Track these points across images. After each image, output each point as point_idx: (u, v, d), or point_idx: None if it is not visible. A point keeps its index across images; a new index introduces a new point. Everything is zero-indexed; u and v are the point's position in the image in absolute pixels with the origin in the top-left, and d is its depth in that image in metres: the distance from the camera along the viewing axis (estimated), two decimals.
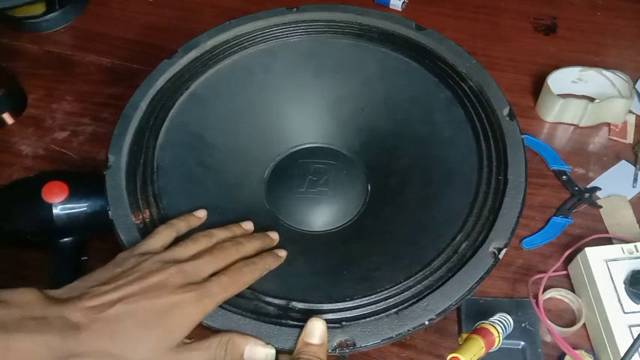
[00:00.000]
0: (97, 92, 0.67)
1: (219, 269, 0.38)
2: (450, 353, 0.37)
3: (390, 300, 0.38)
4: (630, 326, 0.44)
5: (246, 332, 0.37)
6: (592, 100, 0.60)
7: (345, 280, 0.41)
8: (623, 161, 0.58)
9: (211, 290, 0.36)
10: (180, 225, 0.41)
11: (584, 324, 0.47)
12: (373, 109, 0.52)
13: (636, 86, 0.62)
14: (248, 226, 0.44)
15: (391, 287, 0.39)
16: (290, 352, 0.36)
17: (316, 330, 0.36)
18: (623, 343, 0.43)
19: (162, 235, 0.40)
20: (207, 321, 0.37)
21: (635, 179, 0.56)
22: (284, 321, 0.37)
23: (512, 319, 0.42)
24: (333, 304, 0.38)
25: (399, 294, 0.38)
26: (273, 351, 0.36)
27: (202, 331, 0.36)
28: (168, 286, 0.35)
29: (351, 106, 0.53)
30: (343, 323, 0.37)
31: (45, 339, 0.31)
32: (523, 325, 0.47)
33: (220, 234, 0.41)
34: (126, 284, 0.34)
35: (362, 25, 0.54)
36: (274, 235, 0.45)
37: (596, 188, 0.55)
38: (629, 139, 0.59)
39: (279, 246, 0.45)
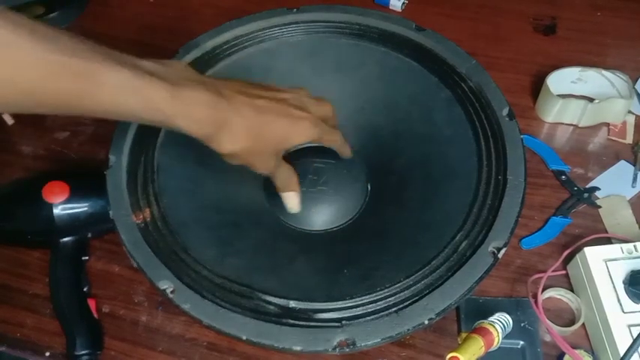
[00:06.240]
0: None
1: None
2: (450, 352, 0.38)
3: (390, 299, 0.38)
4: (629, 326, 0.44)
5: (246, 332, 0.37)
6: (591, 100, 0.60)
7: (345, 280, 0.41)
8: (622, 161, 0.58)
9: (322, 124, 0.43)
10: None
11: (583, 323, 0.48)
12: (373, 108, 0.52)
13: (636, 86, 0.63)
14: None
15: (391, 286, 0.39)
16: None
17: None
18: (623, 343, 0.43)
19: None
20: (207, 320, 0.37)
21: (635, 179, 0.56)
22: (284, 320, 0.37)
23: (512, 319, 0.42)
24: (333, 303, 0.38)
25: (399, 293, 0.38)
26: None
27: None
28: (290, 104, 0.41)
29: (351, 105, 0.53)
30: (343, 322, 0.37)
31: (204, 96, 0.36)
32: (522, 324, 0.47)
33: None
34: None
35: (362, 25, 0.54)
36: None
37: (596, 188, 0.56)
38: (629, 139, 0.59)
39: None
